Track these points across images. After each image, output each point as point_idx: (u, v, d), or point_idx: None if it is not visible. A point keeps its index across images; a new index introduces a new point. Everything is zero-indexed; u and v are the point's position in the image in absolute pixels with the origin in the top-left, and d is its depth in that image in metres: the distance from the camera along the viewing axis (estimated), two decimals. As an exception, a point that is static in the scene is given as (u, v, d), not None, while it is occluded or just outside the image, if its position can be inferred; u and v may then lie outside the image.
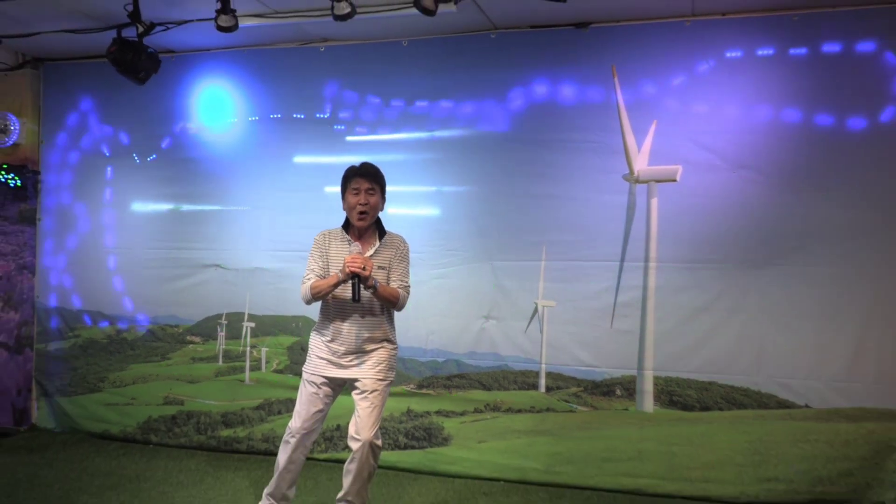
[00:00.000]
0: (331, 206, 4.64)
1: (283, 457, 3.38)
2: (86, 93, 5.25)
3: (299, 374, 4.69)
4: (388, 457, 4.22)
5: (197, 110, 5.02)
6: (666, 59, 4.11)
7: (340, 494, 3.34)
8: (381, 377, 3.30)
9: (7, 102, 5.28)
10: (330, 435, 4.59)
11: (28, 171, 5.29)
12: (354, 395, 3.32)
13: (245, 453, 4.74)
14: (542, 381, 4.33)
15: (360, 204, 3.24)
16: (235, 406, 4.92)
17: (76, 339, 5.31)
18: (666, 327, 4.13)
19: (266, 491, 3.45)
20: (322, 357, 3.35)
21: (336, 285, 3.21)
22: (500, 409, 4.37)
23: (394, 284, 3.30)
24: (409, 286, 3.38)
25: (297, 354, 4.80)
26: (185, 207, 5.08)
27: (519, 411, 4.32)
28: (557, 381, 4.31)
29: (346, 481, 3.30)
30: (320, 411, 3.38)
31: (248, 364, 4.96)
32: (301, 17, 4.28)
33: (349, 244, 3.26)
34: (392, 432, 4.42)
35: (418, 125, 4.55)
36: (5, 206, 5.32)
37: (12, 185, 5.26)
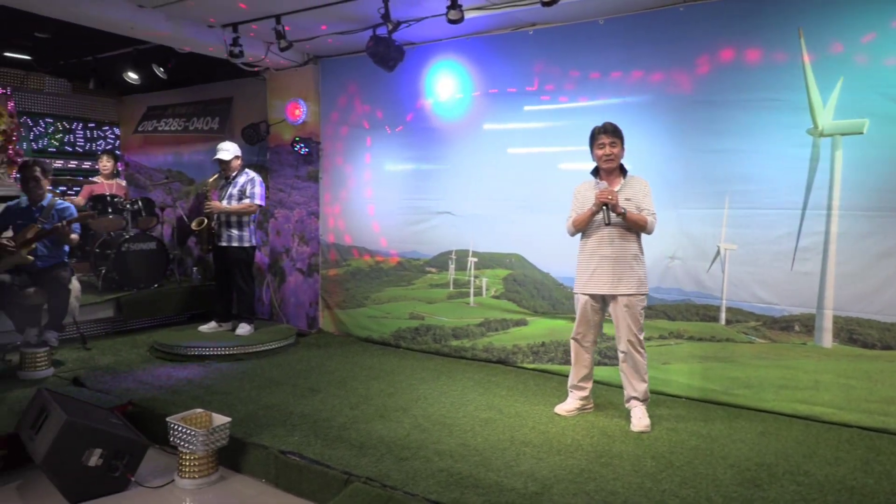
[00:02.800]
0: (535, 166, 5.00)
1: (573, 356, 3.96)
2: (351, 80, 5.90)
3: (513, 300, 5.26)
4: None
5: (432, 89, 5.43)
6: (854, 18, 3.74)
7: (626, 395, 3.83)
8: (632, 291, 3.70)
9: (298, 90, 6.17)
10: (536, 349, 4.98)
11: (313, 141, 6.15)
12: (611, 307, 3.76)
13: (469, 360, 5.22)
14: (723, 315, 4.26)
15: (606, 154, 3.72)
16: (462, 323, 5.38)
17: (348, 267, 6.12)
18: (847, 270, 3.87)
19: (568, 386, 4.01)
20: (585, 278, 3.81)
21: (592, 215, 3.72)
22: (683, 336, 4.39)
23: (644, 213, 3.70)
24: (655, 213, 3.75)
25: (510, 284, 5.16)
26: (424, 167, 5.56)
27: (700, 339, 4.33)
28: (737, 316, 4.22)
29: (624, 380, 3.80)
30: (592, 322, 3.86)
31: (472, 290, 5.38)
32: (514, 6, 4.45)
33: (597, 185, 3.72)
34: (589, 351, 4.72)
35: (613, 93, 4.56)
36: (299, 167, 6.27)
37: (303, 152, 6.14)
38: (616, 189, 3.71)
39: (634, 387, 3.79)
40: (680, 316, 4.44)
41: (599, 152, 3.74)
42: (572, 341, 3.95)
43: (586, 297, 3.82)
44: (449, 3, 4.26)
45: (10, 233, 4.92)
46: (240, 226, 5.62)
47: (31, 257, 4.75)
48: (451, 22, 4.33)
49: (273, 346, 5.50)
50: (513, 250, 5.17)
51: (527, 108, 4.97)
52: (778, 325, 4.13)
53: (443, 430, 3.67)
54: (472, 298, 5.41)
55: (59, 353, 5.14)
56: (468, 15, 4.43)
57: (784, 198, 4.04)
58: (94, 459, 3.13)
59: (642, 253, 3.78)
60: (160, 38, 5.30)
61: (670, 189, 4.41)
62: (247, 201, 5.55)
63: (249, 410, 3.96)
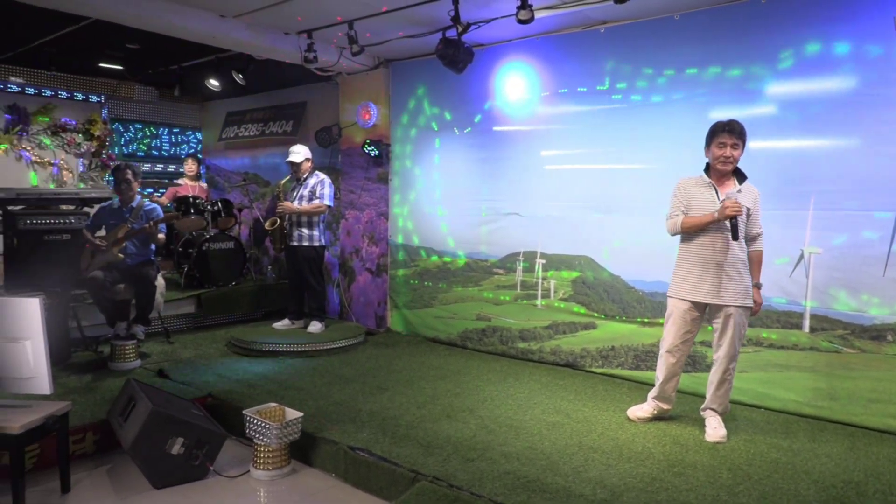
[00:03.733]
0: (606, 166, 4.84)
1: (665, 370, 3.69)
2: (420, 83, 5.96)
3: (581, 303, 5.15)
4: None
5: (501, 90, 5.40)
6: (960, 3, 3.45)
7: (704, 404, 3.71)
8: (738, 303, 3.46)
9: (369, 94, 6.28)
10: (605, 354, 4.89)
11: (383, 144, 6.25)
12: (715, 317, 3.53)
13: (536, 362, 5.18)
14: (807, 322, 4.04)
15: (725, 156, 3.43)
16: (530, 325, 5.33)
17: (416, 268, 6.19)
18: (947, 277, 3.56)
19: (651, 395, 3.85)
20: (688, 283, 3.56)
21: (711, 223, 3.43)
22: (763, 344, 4.19)
23: (756, 231, 3.54)
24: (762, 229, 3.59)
25: (579, 287, 5.07)
26: (492, 168, 5.53)
27: (781, 348, 4.12)
28: (822, 323, 3.99)
29: (709, 389, 3.64)
30: (689, 332, 3.60)
31: (539, 292, 5.32)
32: (584, 4, 4.36)
33: (710, 187, 3.51)
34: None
35: (688, 90, 4.40)
36: (369, 169, 6.40)
37: (373, 154, 6.24)
38: (730, 193, 3.48)
39: (717, 398, 3.63)
40: (759, 322, 4.22)
41: (718, 152, 3.45)
42: (666, 354, 3.67)
43: (686, 304, 3.56)
44: (519, 4, 4.23)
45: (102, 232, 5.25)
46: (310, 225, 5.77)
47: (121, 255, 5.04)
48: (521, 22, 4.29)
49: (343, 344, 5.62)
50: (582, 252, 5.07)
51: (598, 107, 4.87)
52: (868, 334, 3.87)
53: (509, 433, 3.65)
54: (539, 300, 5.35)
55: (146, 346, 5.44)
56: (538, 14, 4.38)
57: (875, 199, 3.78)
58: (177, 448, 3.29)
59: (747, 264, 3.56)
60: (240, 45, 5.52)
61: (749, 189, 4.22)
62: (316, 202, 5.70)
63: (320, 406, 4.06)
